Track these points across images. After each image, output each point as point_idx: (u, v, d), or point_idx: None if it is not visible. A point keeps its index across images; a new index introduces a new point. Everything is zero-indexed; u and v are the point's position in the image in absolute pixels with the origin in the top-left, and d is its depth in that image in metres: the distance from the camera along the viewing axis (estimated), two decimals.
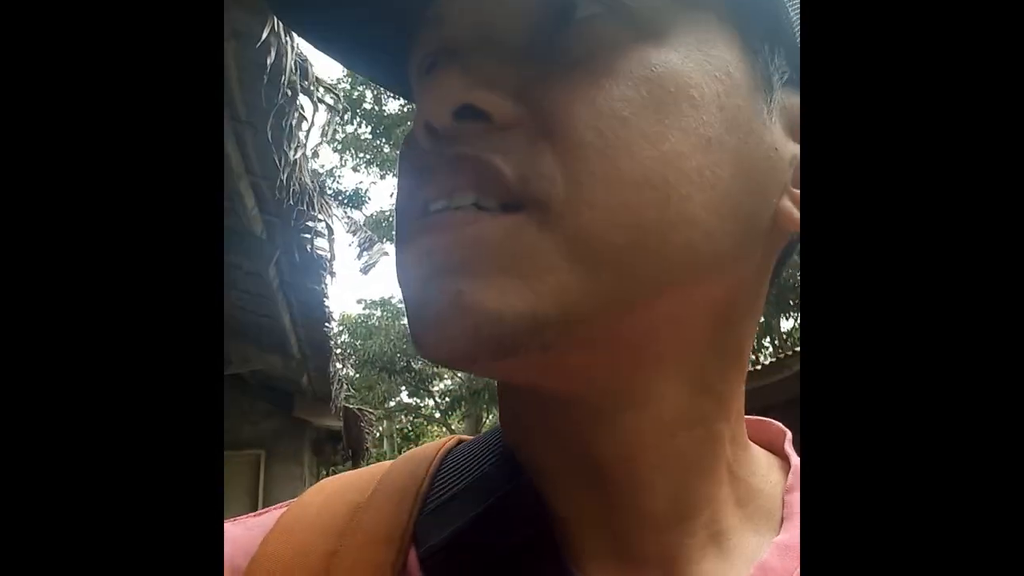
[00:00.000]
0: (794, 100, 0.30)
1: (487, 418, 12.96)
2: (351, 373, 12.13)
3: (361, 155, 11.86)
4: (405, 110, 11.75)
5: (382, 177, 12.20)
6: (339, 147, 11.77)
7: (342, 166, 11.95)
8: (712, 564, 0.31)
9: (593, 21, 0.27)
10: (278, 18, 0.33)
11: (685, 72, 0.27)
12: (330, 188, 11.25)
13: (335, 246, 2.78)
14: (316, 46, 0.33)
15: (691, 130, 0.26)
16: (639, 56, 0.26)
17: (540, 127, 0.26)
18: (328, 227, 2.74)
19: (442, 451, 0.35)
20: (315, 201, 2.56)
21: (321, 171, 10.86)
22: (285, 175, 2.14)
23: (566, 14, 0.27)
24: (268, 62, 1.82)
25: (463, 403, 11.59)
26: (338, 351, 4.62)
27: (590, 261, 0.26)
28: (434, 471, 0.34)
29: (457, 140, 0.27)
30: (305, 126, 2.08)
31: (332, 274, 3.25)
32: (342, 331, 13.11)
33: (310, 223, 2.73)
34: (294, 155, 2.12)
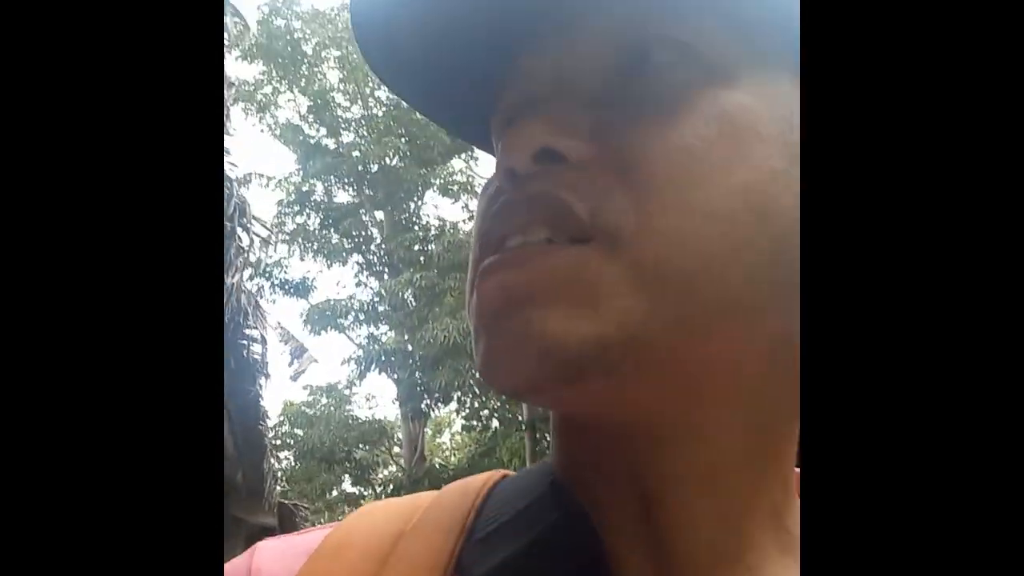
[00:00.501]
0: None
1: None
2: (292, 464, 11.94)
3: (308, 244, 12.10)
4: (356, 200, 12.12)
5: (328, 267, 12.42)
6: (287, 238, 12.00)
7: (290, 255, 12.16)
8: None
9: (666, 67, 0.28)
10: (378, 76, 0.34)
11: (752, 110, 0.28)
12: (277, 278, 11.40)
13: (268, 352, 3.00)
14: (409, 102, 0.36)
15: (759, 164, 0.28)
16: (709, 96, 0.28)
17: (614, 165, 0.28)
18: (263, 337, 2.97)
19: (489, 483, 0.35)
20: (251, 313, 2.80)
21: (269, 261, 11.04)
22: (225, 301, 2.39)
23: (641, 61, 0.29)
24: None
25: (403, 492, 11.52)
26: (274, 446, 4.72)
27: (654, 286, 0.27)
28: (481, 503, 0.34)
29: (534, 181, 0.28)
30: (242, 256, 2.35)
31: (267, 376, 3.44)
32: (283, 421, 12.97)
33: (247, 331, 2.95)
34: (231, 279, 2.37)
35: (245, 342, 3.05)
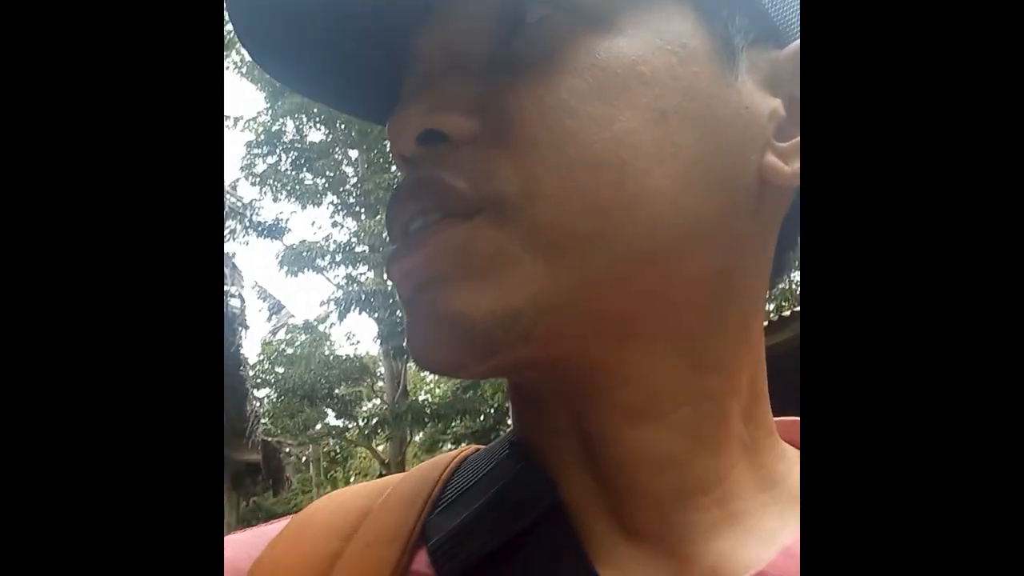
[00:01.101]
0: (768, 55, 0.30)
1: (411, 438, 13.21)
2: (274, 401, 12.19)
3: (281, 185, 12.05)
4: (329, 139, 12.02)
5: (303, 208, 12.39)
6: (257, 180, 11.93)
7: (262, 198, 12.11)
8: (728, 542, 0.30)
9: (542, 23, 0.27)
10: (269, 73, 0.33)
11: (632, 52, 0.27)
12: (249, 220, 11.39)
13: (246, 309, 3.18)
14: (310, 96, 0.35)
15: (643, 106, 0.27)
16: (585, 47, 0.27)
17: (496, 135, 0.27)
18: (240, 295, 3.14)
19: (459, 458, 0.35)
20: (228, 274, 2.95)
21: (240, 204, 11.01)
22: None
23: (518, 21, 0.28)
24: None
25: (386, 426, 11.83)
26: (254, 389, 4.93)
27: (551, 249, 0.26)
28: (448, 475, 0.34)
29: (423, 163, 0.28)
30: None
31: (246, 327, 3.62)
32: (262, 359, 13.16)
33: (224, 287, 3.12)
34: None
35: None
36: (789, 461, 0.33)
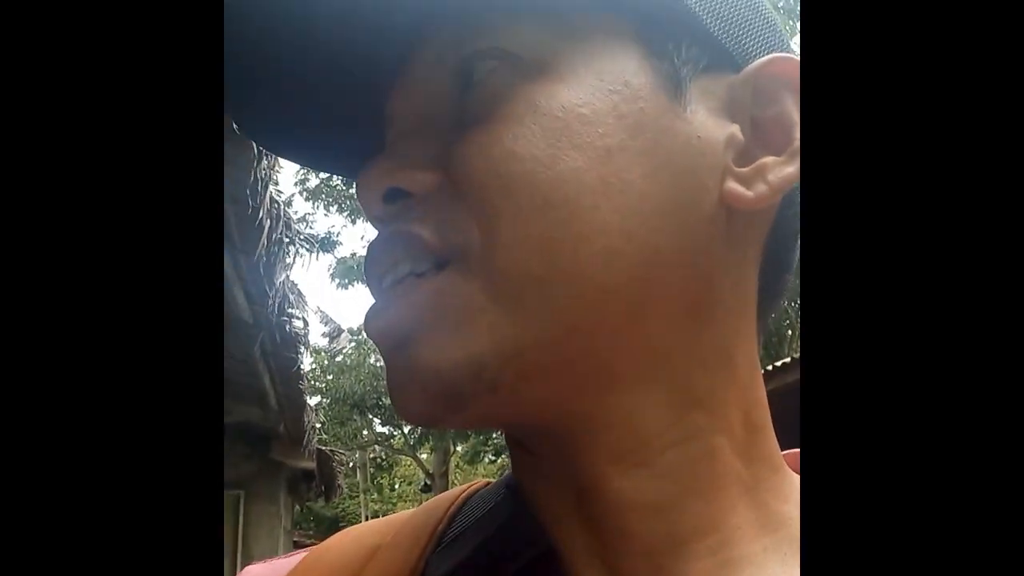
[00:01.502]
0: (723, 81, 0.30)
1: (455, 449, 13.43)
2: (325, 406, 12.50)
3: (332, 199, 12.47)
4: None
5: (353, 222, 12.79)
6: (309, 196, 12.37)
7: (314, 212, 12.53)
8: None
9: (488, 78, 0.29)
10: (257, 143, 0.35)
11: (572, 96, 0.28)
12: (302, 233, 11.77)
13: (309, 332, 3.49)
14: (301, 163, 0.36)
15: (587, 145, 0.27)
16: (526, 95, 0.28)
17: (454, 187, 0.28)
18: (304, 318, 3.46)
19: (467, 492, 0.35)
20: (291, 299, 3.28)
21: (295, 216, 11.39)
22: (272, 293, 2.86)
23: (469, 78, 0.29)
24: (260, 216, 2.53)
25: (431, 436, 12.09)
26: (311, 403, 5.26)
27: (511, 295, 0.27)
28: (454, 511, 0.34)
29: (392, 221, 0.29)
30: (287, 260, 2.82)
31: (307, 346, 3.94)
32: (314, 368, 13.53)
33: (289, 309, 3.44)
34: (279, 279, 2.84)
35: (287, 319, 3.54)
36: (795, 501, 0.31)
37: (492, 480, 0.36)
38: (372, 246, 0.31)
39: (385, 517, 0.37)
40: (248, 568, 0.37)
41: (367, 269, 0.31)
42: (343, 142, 0.34)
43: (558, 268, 0.27)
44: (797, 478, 0.32)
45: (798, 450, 0.32)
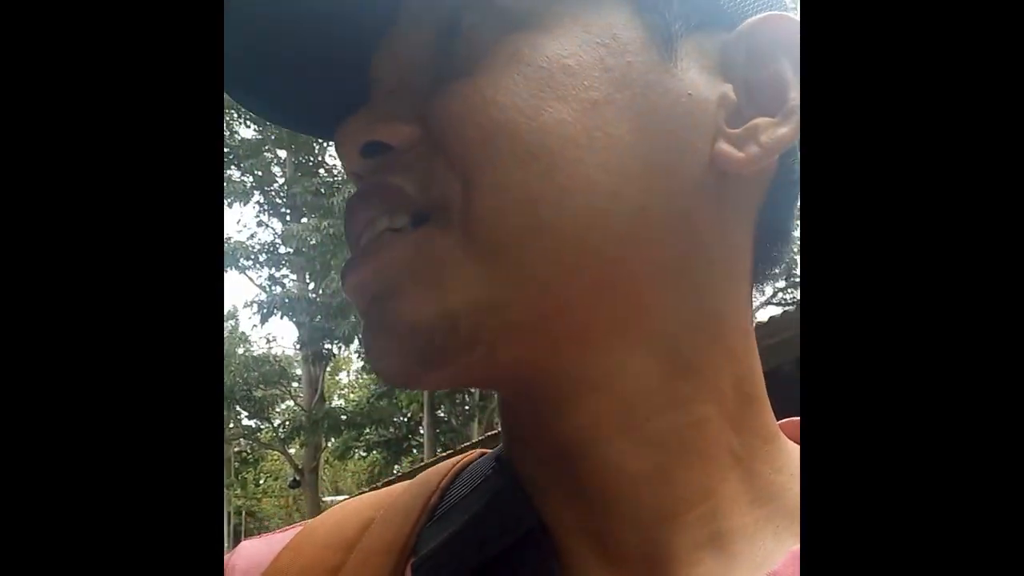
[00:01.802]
0: (716, 39, 0.29)
1: (326, 445, 13.12)
2: None
3: None
4: (260, 137, 11.82)
5: (229, 205, 12.22)
6: None
7: None
8: (708, 568, 0.27)
9: (473, 30, 0.28)
10: (244, 106, 0.34)
11: (557, 47, 0.27)
12: None
13: None
14: (284, 124, 0.35)
15: (572, 97, 0.26)
16: (510, 46, 0.27)
17: (434, 139, 0.27)
18: None
19: (460, 465, 0.35)
20: None
21: None
22: None
23: (454, 31, 0.28)
24: None
25: (303, 431, 11.75)
26: None
27: (489, 248, 0.26)
28: (446, 484, 0.34)
29: (371, 175, 0.29)
30: None
31: None
32: None
33: None
34: None
35: None
36: (790, 471, 0.30)
37: (487, 451, 0.35)
38: (350, 202, 0.30)
39: (379, 490, 0.37)
40: (243, 543, 0.36)
41: (346, 226, 0.30)
42: (327, 102, 0.33)
43: (539, 221, 0.26)
44: (793, 447, 0.31)
45: (796, 419, 0.31)
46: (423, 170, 0.28)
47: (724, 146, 0.28)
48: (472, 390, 13.87)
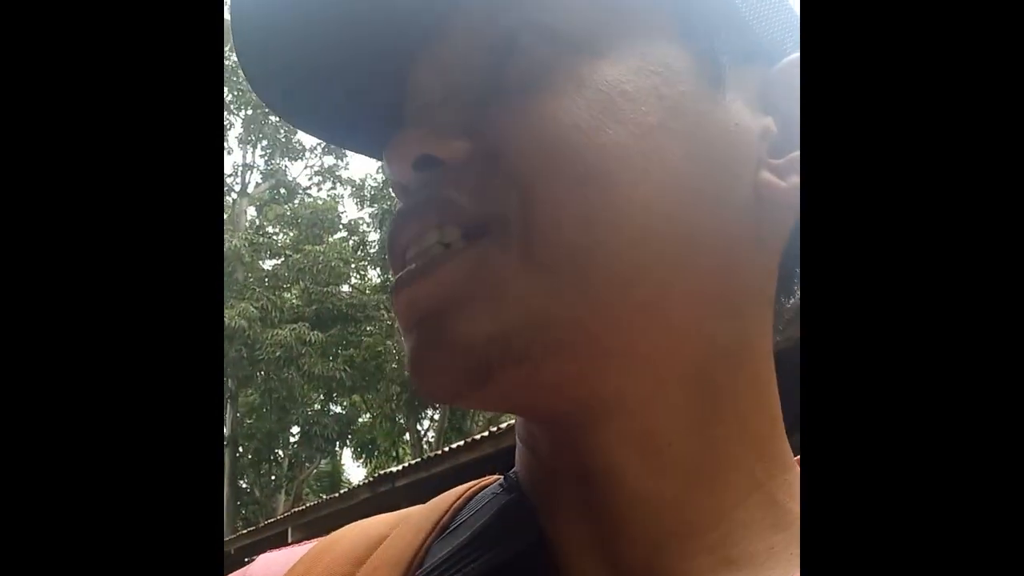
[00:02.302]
0: (758, 74, 0.31)
1: None
2: None
3: None
4: None
5: None
6: None
7: None
8: None
9: (529, 50, 0.29)
10: (280, 116, 0.35)
11: (615, 72, 0.28)
12: None
13: None
14: (323, 137, 0.36)
15: (629, 121, 0.27)
16: (569, 69, 0.28)
17: (490, 155, 0.28)
18: None
19: (474, 488, 0.36)
20: None
21: None
22: None
23: (509, 51, 0.29)
24: None
25: None
26: None
27: (547, 264, 0.27)
28: (460, 504, 0.34)
29: (421, 189, 0.29)
30: None
31: None
32: None
33: None
34: None
35: None
36: None
37: (500, 476, 0.36)
38: (398, 214, 0.30)
39: (399, 511, 0.37)
40: (263, 556, 0.37)
41: (390, 239, 0.30)
42: (362, 115, 0.34)
43: (595, 239, 0.27)
44: None
45: None
46: (477, 184, 0.28)
47: (767, 175, 0.29)
48: (280, 459, 13.53)
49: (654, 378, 0.29)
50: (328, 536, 0.36)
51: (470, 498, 0.35)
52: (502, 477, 0.35)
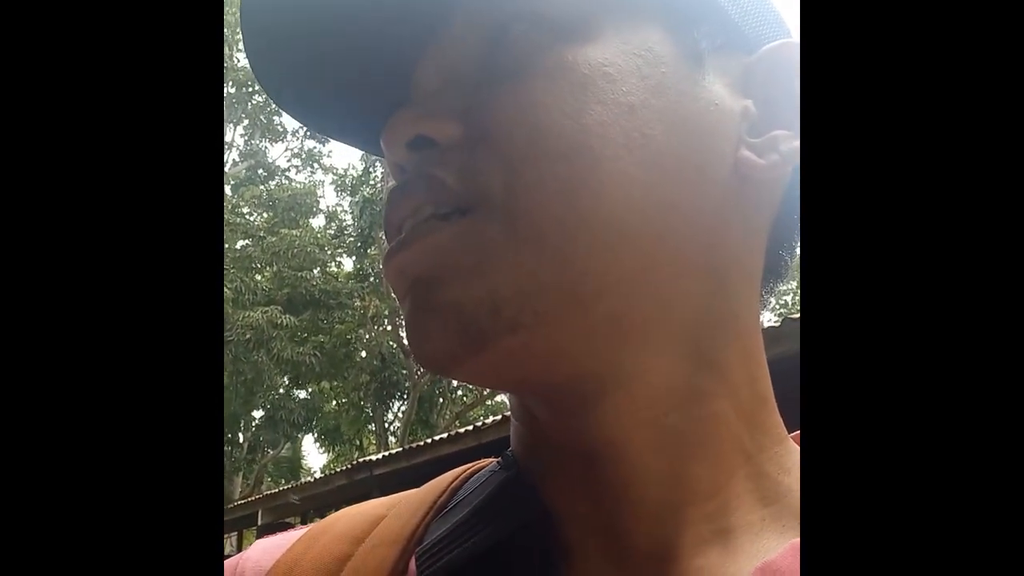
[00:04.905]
0: (738, 60, 0.32)
1: None
2: None
3: None
4: None
5: None
6: None
7: None
8: (712, 560, 0.29)
9: (519, 37, 0.30)
10: (288, 113, 0.36)
11: (599, 55, 0.29)
12: None
13: None
14: (328, 134, 0.37)
15: (611, 101, 0.29)
16: (556, 54, 0.29)
17: (479, 137, 0.29)
18: None
19: (471, 470, 0.36)
20: None
21: None
22: None
23: (501, 39, 0.30)
24: None
25: None
26: None
27: (533, 236, 0.28)
28: (457, 484, 0.35)
29: (415, 167, 0.31)
30: None
31: None
32: None
33: None
34: None
35: None
36: (797, 474, 0.31)
37: (498, 459, 0.36)
38: (392, 192, 0.31)
39: (396, 494, 0.38)
40: (257, 542, 0.37)
41: (386, 215, 0.32)
42: (366, 111, 0.35)
43: (578, 211, 0.28)
44: (799, 451, 0.32)
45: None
46: (465, 164, 0.29)
47: (747, 153, 0.31)
48: (241, 441, 13.36)
49: (647, 350, 0.29)
50: (324, 519, 0.37)
51: (467, 479, 0.36)
52: (496, 460, 0.35)
